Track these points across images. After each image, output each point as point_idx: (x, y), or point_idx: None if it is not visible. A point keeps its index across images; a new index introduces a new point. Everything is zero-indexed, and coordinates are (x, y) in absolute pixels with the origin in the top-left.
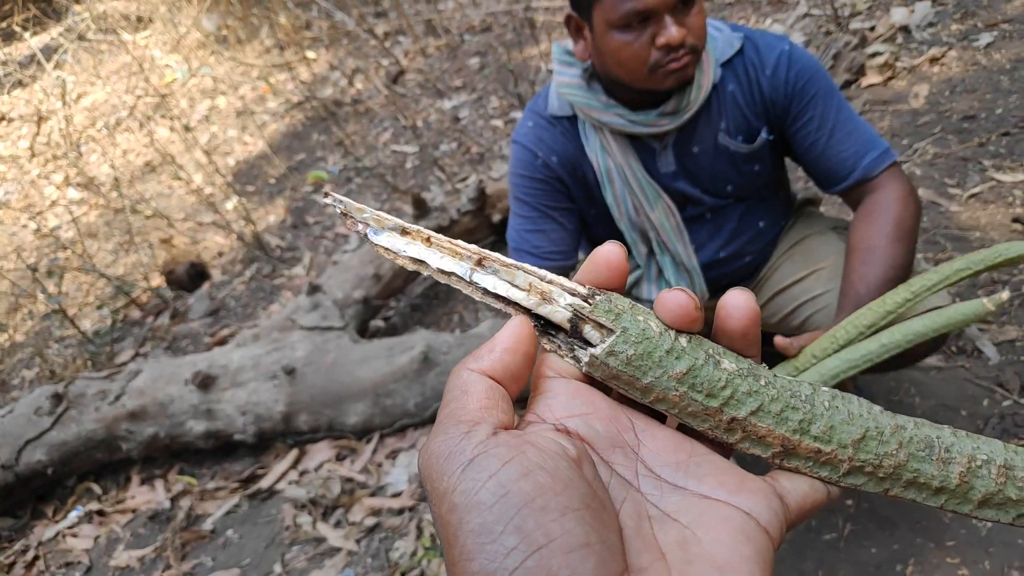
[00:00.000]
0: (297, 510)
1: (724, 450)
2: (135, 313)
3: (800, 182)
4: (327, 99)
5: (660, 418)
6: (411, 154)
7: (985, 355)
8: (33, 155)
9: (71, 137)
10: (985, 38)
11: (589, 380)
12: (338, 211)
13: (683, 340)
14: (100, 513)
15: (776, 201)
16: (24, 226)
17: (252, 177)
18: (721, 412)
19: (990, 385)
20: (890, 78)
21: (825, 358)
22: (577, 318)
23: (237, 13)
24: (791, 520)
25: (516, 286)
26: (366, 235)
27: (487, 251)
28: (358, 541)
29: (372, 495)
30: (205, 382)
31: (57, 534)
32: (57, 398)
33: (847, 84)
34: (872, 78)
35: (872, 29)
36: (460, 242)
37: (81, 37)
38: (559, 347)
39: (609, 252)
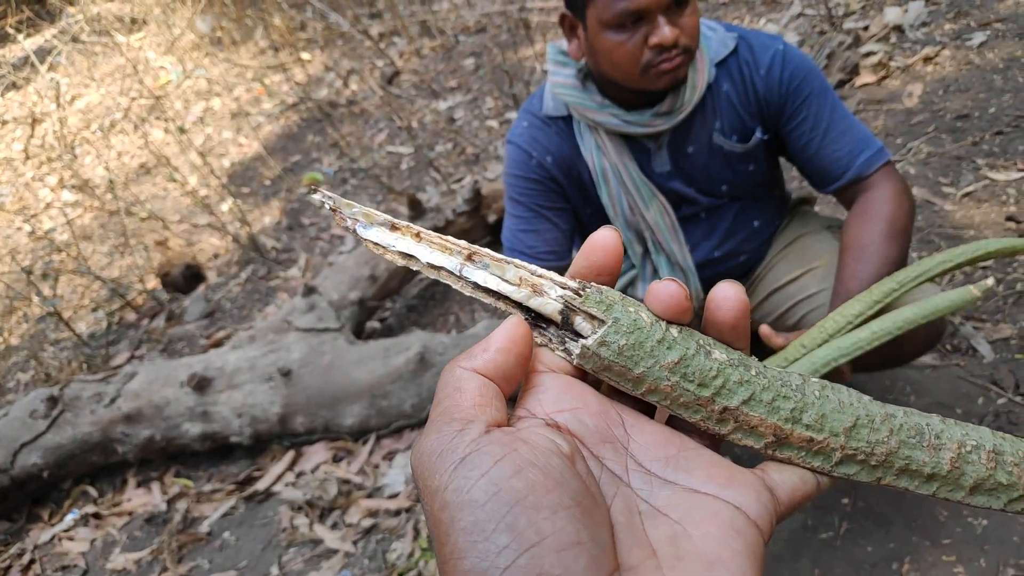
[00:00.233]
0: (294, 512)
1: (713, 444)
2: (130, 315)
3: (795, 181)
4: (322, 100)
5: (649, 413)
6: (406, 155)
7: (980, 353)
8: (27, 157)
9: (65, 139)
10: (978, 37)
11: (579, 375)
12: (327, 207)
13: (674, 330)
14: (96, 516)
15: (771, 200)
16: (19, 229)
17: (247, 179)
18: (713, 402)
19: (985, 383)
20: (884, 77)
21: (815, 348)
22: (568, 310)
23: (231, 14)
24: (781, 512)
25: (506, 280)
26: (355, 230)
27: (477, 247)
28: (355, 542)
29: (369, 496)
30: (201, 384)
31: (53, 537)
32: (52, 401)
33: (841, 83)
34: (866, 77)
35: (866, 28)
36: (450, 238)
37: (75, 39)
38: (550, 340)
39: (605, 236)
